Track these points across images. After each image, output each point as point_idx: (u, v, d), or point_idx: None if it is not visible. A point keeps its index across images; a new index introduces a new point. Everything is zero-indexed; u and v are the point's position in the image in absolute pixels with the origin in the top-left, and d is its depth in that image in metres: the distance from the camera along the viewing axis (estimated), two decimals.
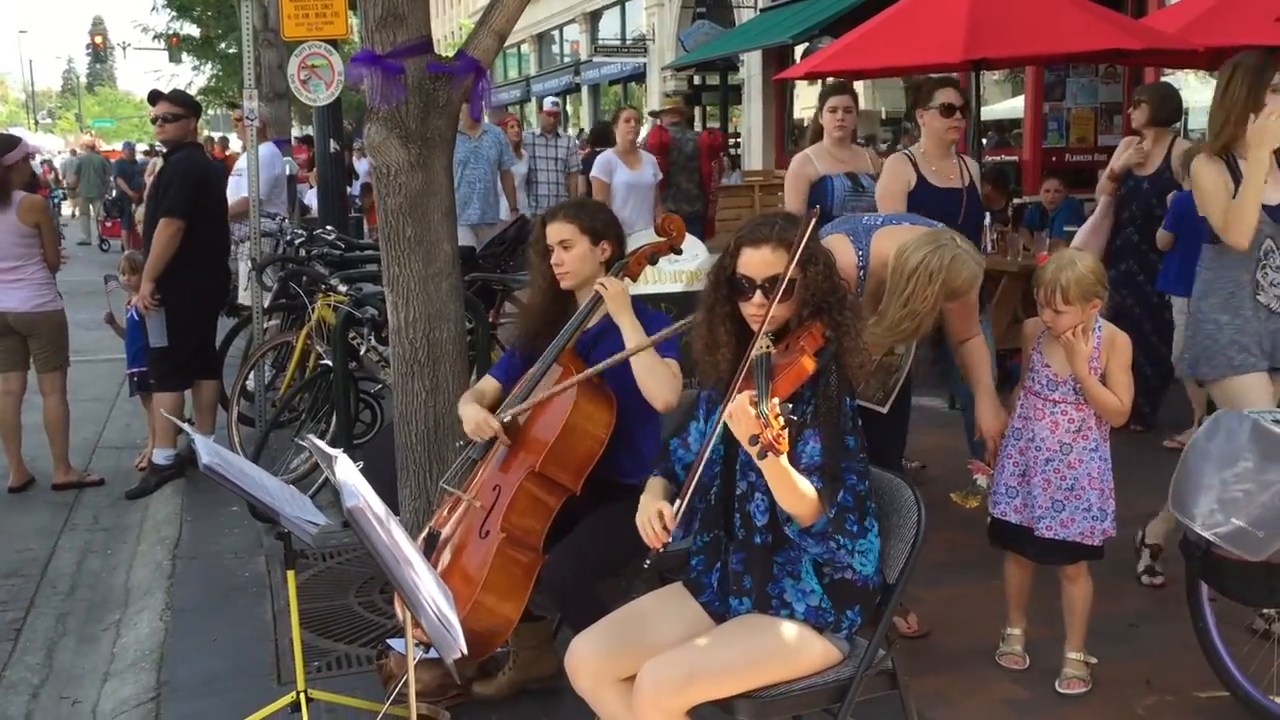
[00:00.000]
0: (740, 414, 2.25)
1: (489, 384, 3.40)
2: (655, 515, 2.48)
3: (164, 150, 6.22)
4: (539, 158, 9.69)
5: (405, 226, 3.74)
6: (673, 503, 2.48)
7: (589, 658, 2.57)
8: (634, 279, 3.32)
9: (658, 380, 3.03)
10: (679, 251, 3.40)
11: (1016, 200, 9.95)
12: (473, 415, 3.18)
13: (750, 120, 19.53)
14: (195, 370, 6.04)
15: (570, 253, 3.23)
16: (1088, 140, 12.07)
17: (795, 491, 2.38)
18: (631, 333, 3.09)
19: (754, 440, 2.19)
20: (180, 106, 5.94)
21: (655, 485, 2.70)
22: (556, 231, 3.25)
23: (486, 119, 8.47)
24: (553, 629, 3.44)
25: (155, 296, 5.73)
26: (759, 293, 2.51)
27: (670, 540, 2.47)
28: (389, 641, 3.74)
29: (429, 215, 3.75)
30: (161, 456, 6.00)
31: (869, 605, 2.57)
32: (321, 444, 2.43)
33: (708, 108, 24.76)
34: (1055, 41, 7.18)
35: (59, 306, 6.04)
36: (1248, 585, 3.06)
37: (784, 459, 2.29)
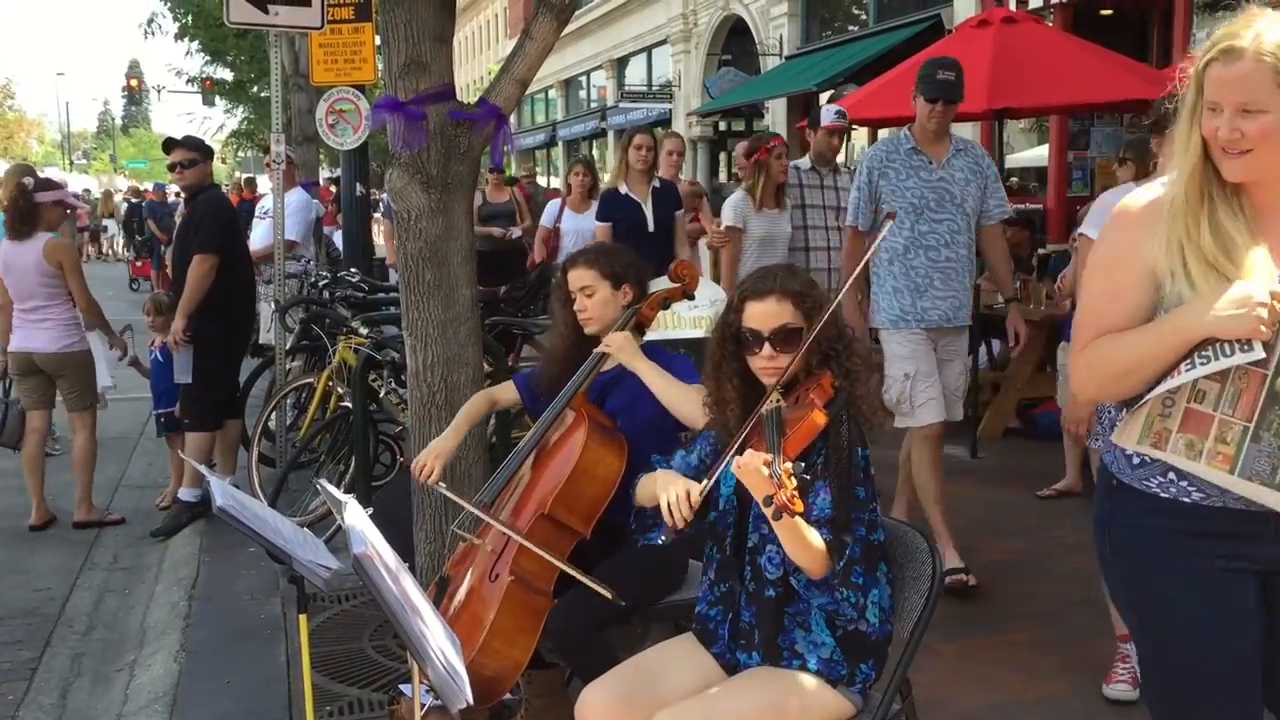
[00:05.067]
0: (754, 475, 2.24)
1: (508, 393, 3.50)
2: (683, 493, 2.41)
3: (185, 195, 6.30)
4: (809, 205, 6.28)
5: (425, 271, 3.77)
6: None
7: (599, 708, 2.54)
8: (647, 324, 3.33)
9: (689, 406, 3.01)
10: (692, 297, 3.41)
11: (1041, 250, 9.92)
12: (434, 448, 3.28)
13: None
14: (225, 410, 6.09)
15: (593, 299, 3.25)
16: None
17: (807, 546, 2.36)
18: (650, 374, 3.11)
19: (769, 501, 2.17)
20: (195, 151, 6.05)
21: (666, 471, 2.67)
22: (578, 278, 3.26)
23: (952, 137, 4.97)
24: (565, 677, 3.41)
25: (186, 333, 5.78)
26: (767, 345, 2.52)
27: (691, 522, 2.41)
28: (401, 686, 3.72)
29: (448, 260, 3.78)
30: (189, 495, 6.02)
31: (882, 658, 2.54)
32: (332, 489, 2.43)
33: (732, 154, 24.89)
34: (1077, 92, 7.20)
35: (85, 347, 6.08)
36: None
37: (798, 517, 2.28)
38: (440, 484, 3.19)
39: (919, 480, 4.81)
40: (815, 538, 2.37)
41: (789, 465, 2.19)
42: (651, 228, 6.39)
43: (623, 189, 6.47)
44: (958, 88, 4.69)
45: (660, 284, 3.49)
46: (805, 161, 6.34)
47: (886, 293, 4.76)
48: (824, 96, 15.75)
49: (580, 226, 7.83)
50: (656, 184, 6.54)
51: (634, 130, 6.91)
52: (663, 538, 2.47)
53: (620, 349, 3.15)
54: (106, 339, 6.20)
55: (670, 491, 2.44)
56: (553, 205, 8.66)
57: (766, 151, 6.12)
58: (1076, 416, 3.88)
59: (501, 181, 10.20)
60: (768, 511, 2.18)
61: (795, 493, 2.14)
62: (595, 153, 32.87)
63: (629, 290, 3.28)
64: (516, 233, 9.53)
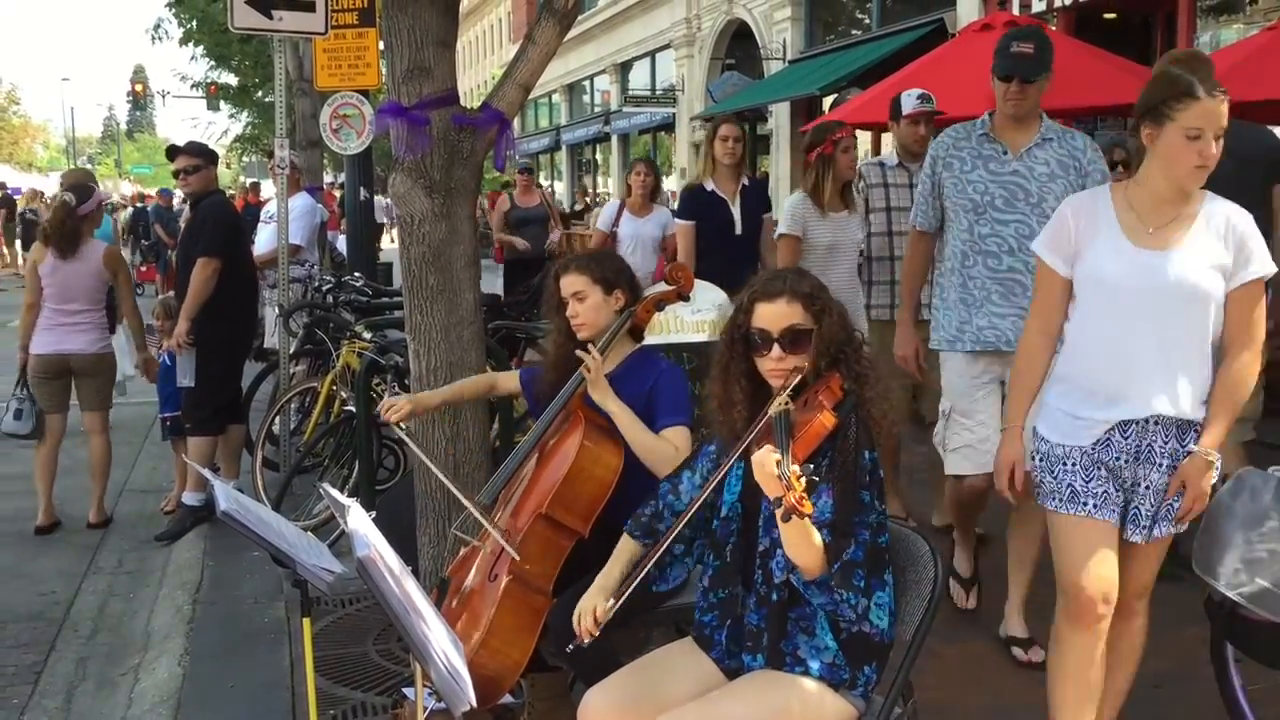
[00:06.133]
0: (764, 475, 2.25)
1: (509, 382, 3.57)
2: (590, 611, 2.56)
3: (189, 201, 6.38)
4: (896, 207, 5.39)
5: (428, 275, 3.78)
6: (612, 595, 2.59)
7: (601, 711, 2.55)
8: (643, 326, 3.35)
9: (657, 458, 3.07)
10: (687, 299, 3.42)
11: None
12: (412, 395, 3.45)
13: (778, 170, 19.64)
14: (227, 414, 6.11)
15: (584, 304, 3.26)
16: None
17: (809, 547, 2.36)
18: (623, 417, 3.14)
19: (778, 503, 2.18)
20: (199, 157, 6.09)
21: (621, 553, 2.75)
22: (570, 284, 3.28)
23: None
24: (568, 681, 3.42)
25: (189, 337, 5.81)
26: (776, 346, 2.52)
27: (594, 637, 2.56)
28: (405, 690, 3.73)
29: (452, 264, 3.79)
30: (193, 499, 6.04)
31: (885, 661, 2.55)
32: (335, 493, 2.44)
33: None
34: (1080, 95, 7.20)
35: (112, 348, 6.22)
36: (1273, 647, 3.00)
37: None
38: (400, 426, 3.35)
39: (952, 512, 4.39)
40: (817, 538, 2.38)
41: (796, 468, 2.19)
42: (740, 229, 5.71)
43: (709, 185, 5.77)
44: (1037, 63, 3.91)
45: (657, 286, 3.52)
46: (891, 157, 5.58)
47: (943, 307, 4.13)
48: (829, 100, 15.78)
49: (640, 231, 7.28)
50: (745, 181, 5.83)
51: (720, 119, 5.97)
52: (570, 647, 2.61)
53: (594, 386, 3.18)
54: (134, 344, 6.30)
55: (583, 604, 2.60)
56: (610, 207, 7.92)
57: (832, 145, 5.19)
58: (1003, 464, 3.15)
59: (531, 183, 9.97)
60: (778, 513, 2.18)
61: (804, 495, 2.14)
62: (599, 157, 32.91)
63: (621, 295, 3.30)
64: (555, 236, 9.36)
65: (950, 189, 4.03)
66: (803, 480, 2.16)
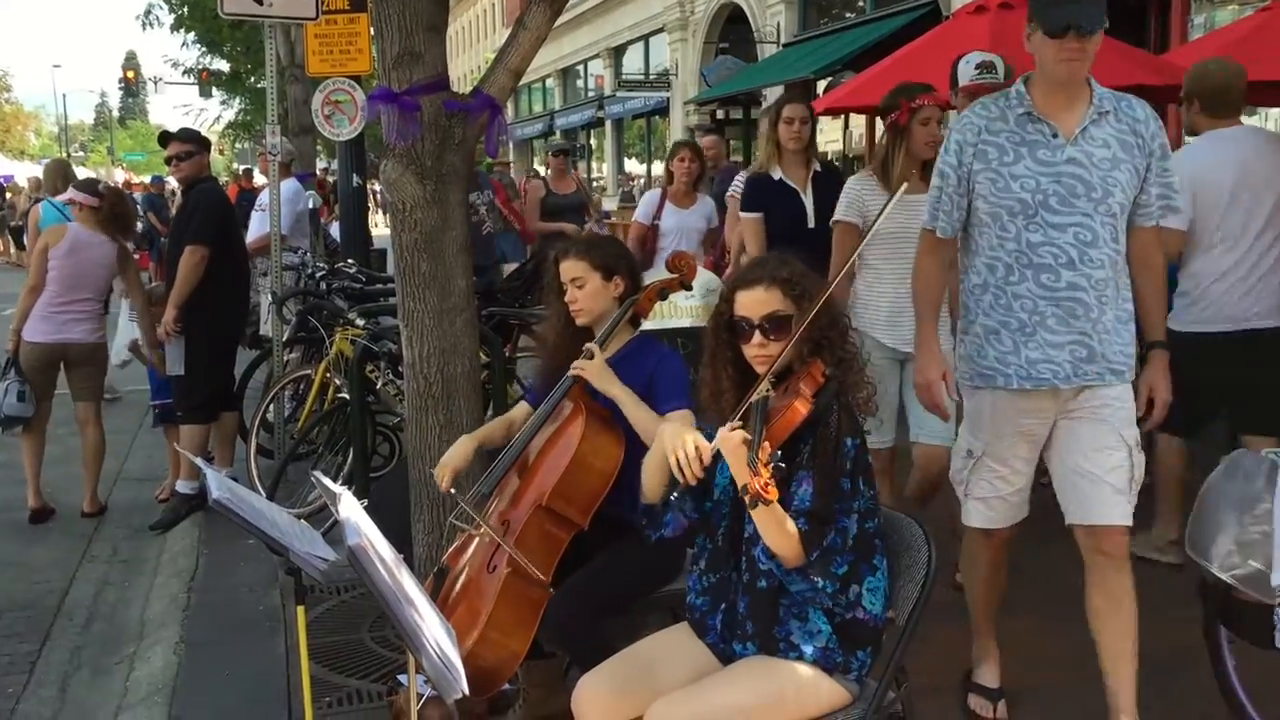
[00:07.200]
0: (735, 453, 2.27)
1: (522, 413, 3.44)
2: (694, 449, 2.40)
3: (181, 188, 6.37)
4: None
5: (420, 262, 3.77)
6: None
7: (596, 698, 2.55)
8: (644, 315, 3.34)
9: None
10: (689, 287, 3.41)
11: None
12: (448, 459, 3.24)
13: None
14: (219, 402, 6.10)
15: (584, 290, 3.25)
16: None
17: (781, 534, 2.37)
18: (627, 401, 3.10)
19: (744, 490, 2.21)
20: (191, 144, 6.06)
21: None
22: (569, 269, 3.26)
23: None
24: (563, 667, 3.42)
25: (177, 325, 5.79)
26: (757, 333, 2.53)
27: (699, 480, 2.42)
28: (400, 677, 3.73)
29: (444, 251, 3.78)
30: (187, 487, 6.04)
31: (878, 645, 2.55)
32: (326, 480, 2.43)
33: (731, 141, 24.93)
34: None
35: (107, 338, 6.27)
36: (1267, 629, 3.00)
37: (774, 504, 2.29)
38: (452, 492, 3.21)
39: (965, 573, 3.70)
40: (790, 526, 2.38)
41: (764, 452, 2.21)
42: (812, 222, 5.03)
43: (776, 174, 5.13)
44: (1097, 4, 3.03)
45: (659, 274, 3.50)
46: None
47: (975, 334, 3.26)
48: (823, 83, 15.74)
49: (684, 224, 6.64)
50: (817, 167, 5.19)
51: (782, 100, 5.34)
52: (673, 495, 2.47)
53: (596, 376, 3.14)
54: (145, 340, 6.33)
55: (680, 451, 2.42)
56: (650, 197, 7.07)
57: (908, 112, 4.23)
58: None
59: (565, 168, 9.72)
60: (745, 499, 2.21)
61: (770, 481, 2.17)
62: (593, 142, 32.84)
63: (620, 282, 3.28)
64: (592, 226, 9.20)
65: (987, 186, 3.13)
66: (769, 468, 2.18)
